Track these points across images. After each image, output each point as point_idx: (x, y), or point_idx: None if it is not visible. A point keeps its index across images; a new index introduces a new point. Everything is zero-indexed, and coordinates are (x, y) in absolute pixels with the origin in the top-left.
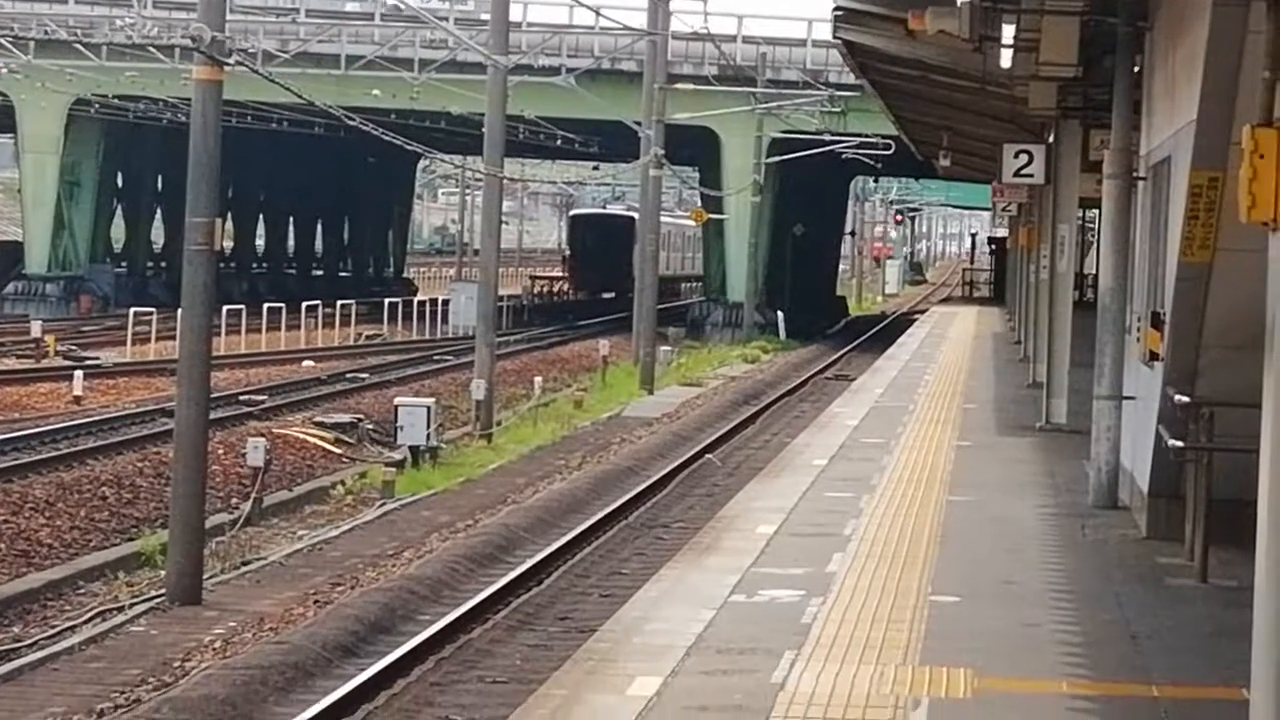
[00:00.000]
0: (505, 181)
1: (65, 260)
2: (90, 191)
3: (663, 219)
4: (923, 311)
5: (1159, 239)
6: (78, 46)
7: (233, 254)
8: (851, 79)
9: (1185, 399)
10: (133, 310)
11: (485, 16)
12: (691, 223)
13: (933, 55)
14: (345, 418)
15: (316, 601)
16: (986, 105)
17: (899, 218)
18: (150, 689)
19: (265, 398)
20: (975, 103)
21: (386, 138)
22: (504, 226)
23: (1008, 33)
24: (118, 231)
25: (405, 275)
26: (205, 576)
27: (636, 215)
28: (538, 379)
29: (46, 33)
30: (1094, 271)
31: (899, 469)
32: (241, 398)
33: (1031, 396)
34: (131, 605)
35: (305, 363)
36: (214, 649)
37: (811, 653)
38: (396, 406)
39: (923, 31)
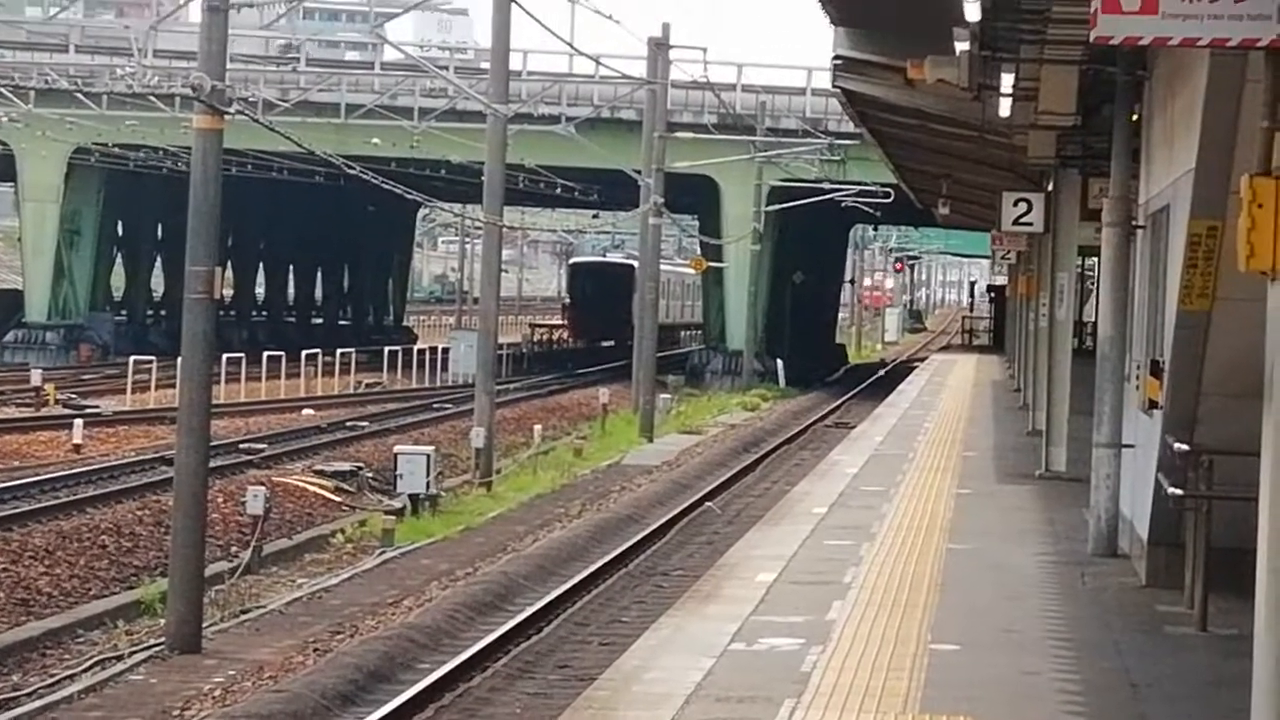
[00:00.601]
0: (505, 230)
1: (65, 308)
2: (90, 240)
3: (662, 267)
4: (922, 359)
5: (1158, 287)
6: (78, 95)
7: (233, 302)
8: (851, 127)
9: (1185, 447)
10: (132, 358)
11: (485, 65)
12: (691, 271)
13: (932, 104)
14: (345, 466)
15: (316, 650)
16: (985, 154)
17: (899, 265)
18: None
19: (265, 446)
20: (974, 151)
21: (386, 186)
22: (504, 275)
23: (1006, 82)
24: (118, 280)
25: (405, 323)
26: (205, 625)
27: (636, 263)
28: (537, 427)
29: (47, 82)
30: (1093, 319)
31: (899, 517)
32: (241, 446)
33: (1031, 444)
34: (131, 654)
35: (305, 411)
36: (213, 697)
37: (811, 701)
38: (396, 455)
39: (922, 80)
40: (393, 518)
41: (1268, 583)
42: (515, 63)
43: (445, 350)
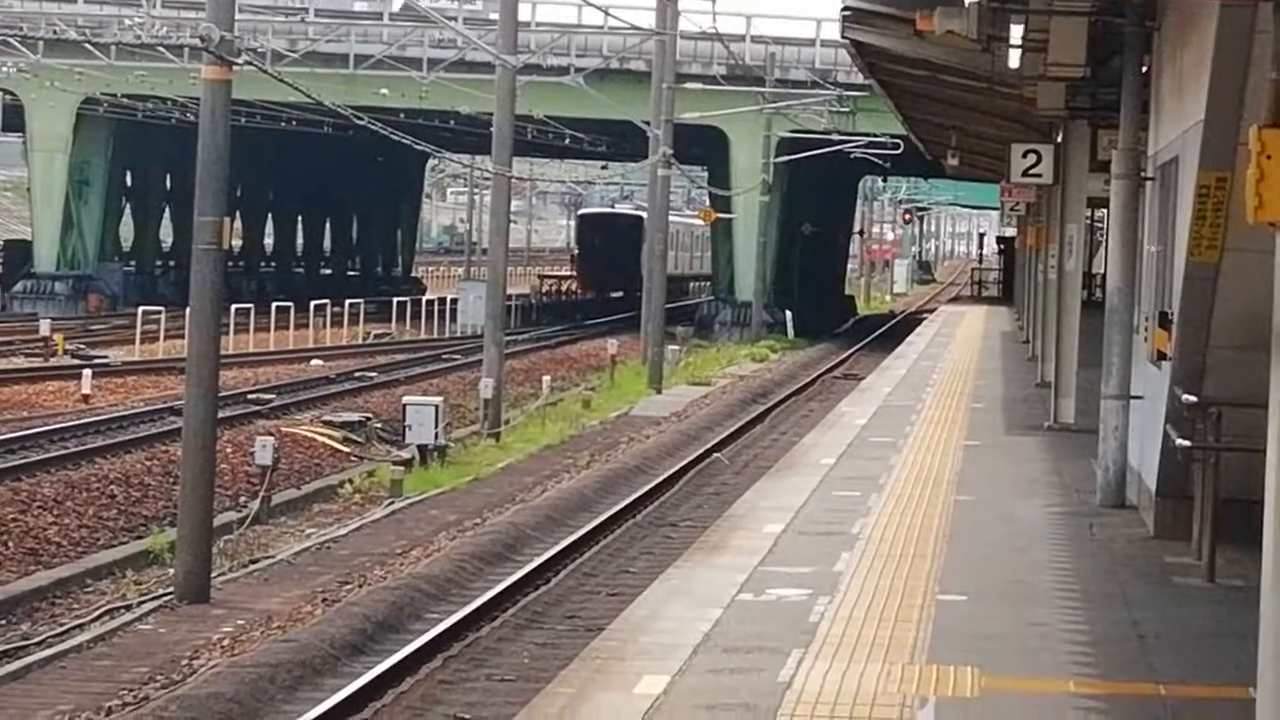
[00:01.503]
0: (514, 181)
1: (74, 259)
2: (99, 190)
3: (671, 218)
4: (931, 311)
5: (1167, 239)
6: (87, 46)
7: (241, 253)
8: (860, 79)
9: (1193, 399)
10: (141, 309)
11: (494, 16)
12: (700, 222)
13: (941, 55)
14: (353, 416)
15: (324, 600)
16: (994, 105)
17: (906, 216)
18: (158, 687)
19: (273, 396)
20: (983, 103)
21: (395, 137)
22: (512, 226)
23: (1016, 33)
24: (126, 230)
25: (413, 274)
26: (213, 575)
27: (645, 214)
28: (546, 378)
29: (55, 32)
30: (1102, 271)
31: (907, 468)
32: (250, 396)
33: (1039, 396)
34: (139, 603)
35: (314, 361)
36: (222, 647)
37: (819, 651)
38: (405, 405)
39: (931, 32)
40: (401, 468)
41: (1275, 534)
42: (524, 13)
43: (454, 301)
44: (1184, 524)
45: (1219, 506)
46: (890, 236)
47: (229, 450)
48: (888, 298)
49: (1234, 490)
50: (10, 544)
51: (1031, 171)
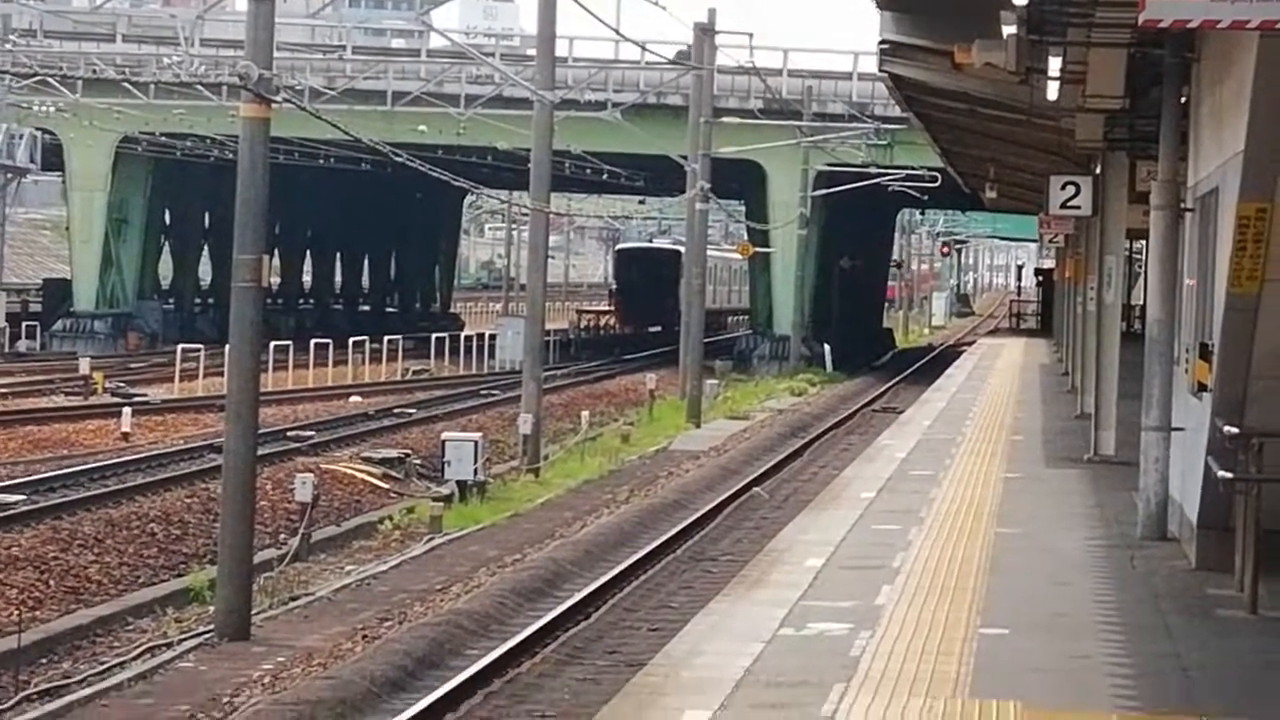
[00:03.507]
0: (551, 216)
1: (113, 297)
2: (138, 228)
3: (709, 252)
4: (970, 343)
5: (1206, 270)
6: (125, 85)
7: (279, 290)
8: (897, 112)
9: (1234, 430)
10: (180, 346)
11: (531, 52)
12: (737, 256)
13: (979, 88)
14: (393, 453)
15: (365, 636)
16: (1033, 137)
17: (945, 249)
18: None
19: (313, 433)
20: (1022, 135)
21: (433, 173)
22: (550, 261)
23: (1054, 65)
24: (165, 268)
25: (452, 310)
26: (254, 612)
27: (682, 249)
28: (585, 413)
29: (95, 72)
30: (1141, 303)
31: (947, 501)
32: (289, 433)
33: (1079, 428)
34: (180, 641)
35: (353, 398)
36: (263, 684)
37: (861, 685)
38: (444, 441)
39: (969, 64)
40: (440, 504)
41: None
42: (561, 49)
43: (492, 337)
44: (1226, 556)
45: (1261, 538)
46: (924, 268)
47: (269, 487)
48: (926, 330)
49: (1276, 521)
50: (51, 582)
51: (1070, 203)
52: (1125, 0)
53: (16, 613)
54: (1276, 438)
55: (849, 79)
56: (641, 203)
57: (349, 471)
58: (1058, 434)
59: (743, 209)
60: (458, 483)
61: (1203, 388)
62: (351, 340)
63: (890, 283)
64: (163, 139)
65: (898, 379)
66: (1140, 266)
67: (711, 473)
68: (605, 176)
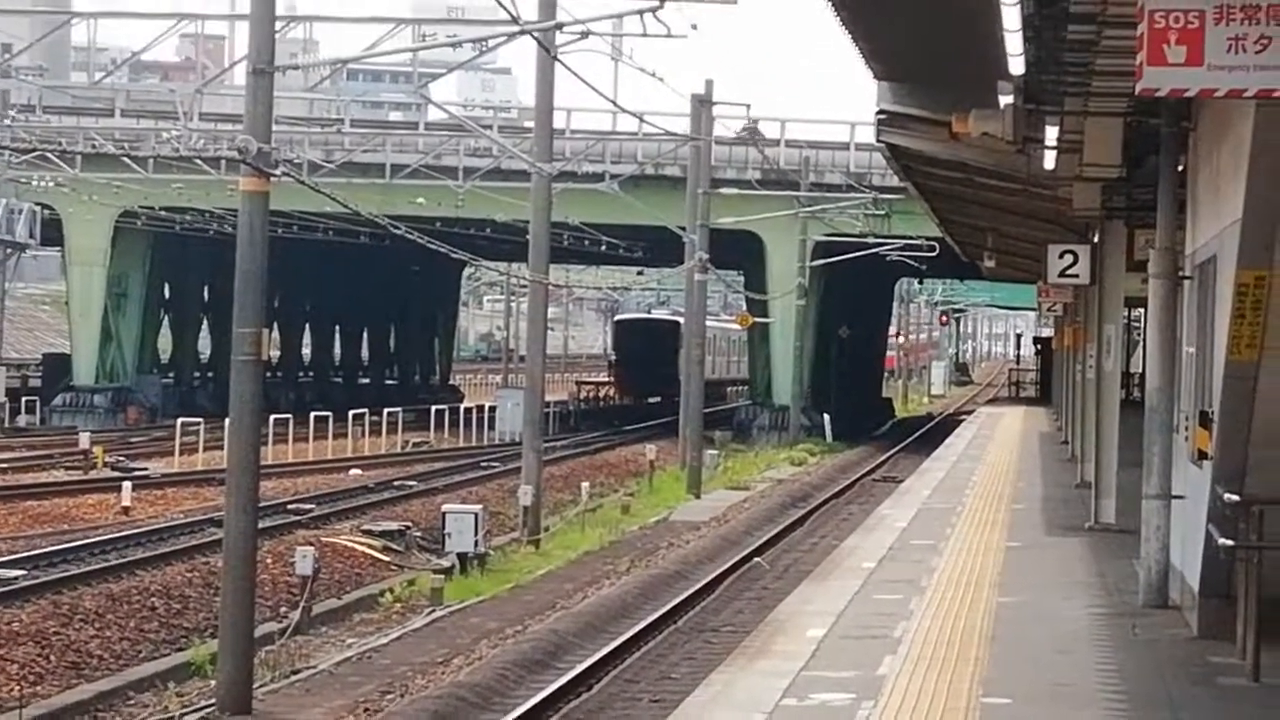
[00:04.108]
0: (550, 287)
1: (112, 371)
2: (137, 302)
3: (708, 323)
4: (969, 412)
5: (1206, 338)
6: (124, 160)
7: (279, 363)
8: (895, 181)
9: (1235, 497)
10: (180, 420)
11: (529, 124)
12: (736, 326)
13: (976, 157)
14: (393, 525)
15: (366, 710)
16: (1030, 206)
17: (944, 319)
18: None
19: (313, 506)
20: (1019, 204)
21: (431, 245)
22: (549, 332)
23: (1051, 134)
24: (164, 342)
25: (451, 382)
26: (255, 686)
27: (681, 319)
28: (585, 484)
29: (94, 146)
30: (1141, 370)
31: (948, 570)
32: (289, 506)
33: (1080, 496)
34: (182, 716)
35: (353, 471)
36: None
37: None
38: (444, 513)
39: (966, 134)
40: (441, 576)
41: None
42: (559, 121)
43: (492, 408)
44: (1228, 624)
45: (1263, 606)
46: (922, 337)
47: (269, 561)
48: (925, 399)
49: (1278, 589)
50: (53, 657)
51: (1068, 272)
52: (1122, 70)
53: (18, 688)
54: (1277, 505)
55: (846, 149)
56: (640, 274)
57: (350, 544)
58: (1058, 502)
59: (741, 279)
60: (458, 555)
61: (1203, 455)
62: (351, 413)
63: (890, 352)
64: (162, 213)
65: (897, 448)
66: (1139, 334)
67: (712, 543)
68: (604, 248)
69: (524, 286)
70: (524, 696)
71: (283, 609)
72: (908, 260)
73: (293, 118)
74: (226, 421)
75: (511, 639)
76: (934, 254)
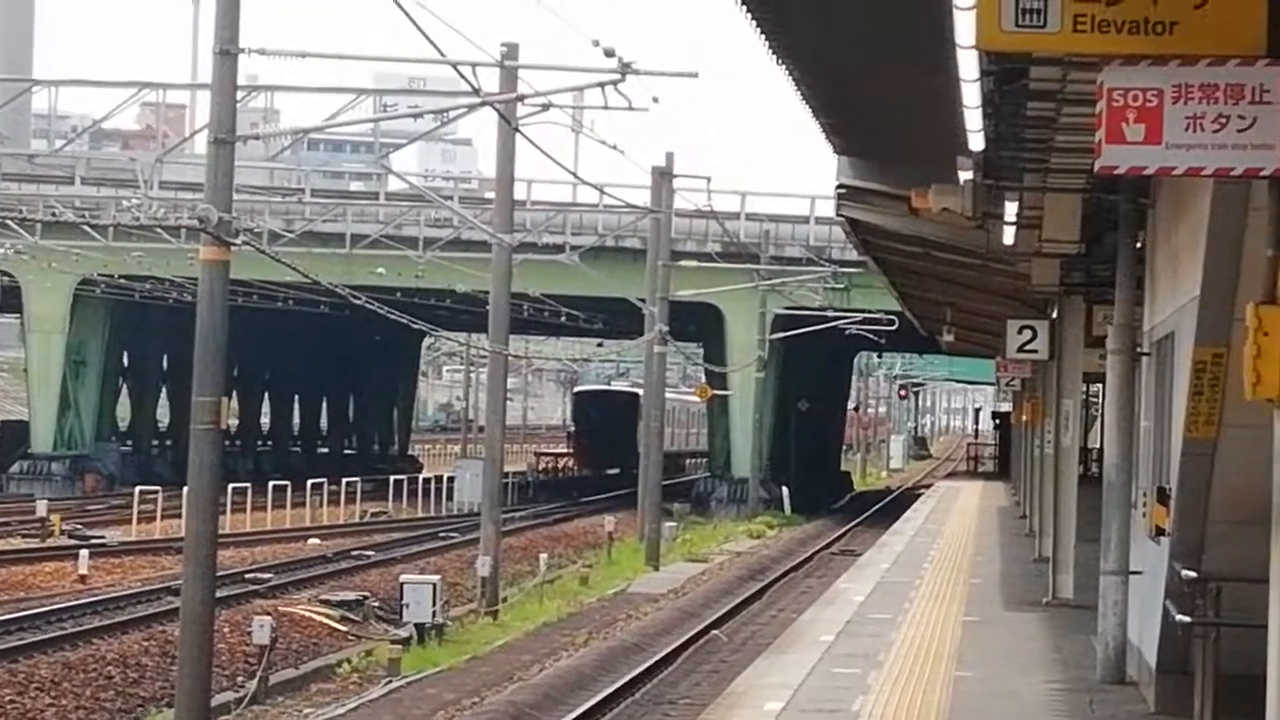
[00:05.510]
0: (510, 358)
1: (70, 439)
2: (96, 370)
3: (667, 395)
4: (928, 486)
5: (1163, 414)
6: (84, 228)
7: (238, 431)
8: (854, 255)
9: (1192, 574)
10: (138, 489)
11: (489, 195)
12: (696, 398)
13: (935, 232)
14: (351, 595)
15: None
16: (990, 281)
17: (903, 392)
18: None
19: (271, 575)
20: (978, 279)
21: (391, 316)
22: (509, 403)
23: (1010, 210)
24: (123, 409)
25: (410, 452)
26: None
27: (640, 391)
28: (543, 555)
29: (54, 214)
30: (1099, 446)
31: (906, 644)
32: (247, 575)
33: (1037, 571)
34: None
35: (310, 540)
36: None
37: None
38: (402, 584)
39: (926, 209)
40: (399, 647)
41: (1278, 710)
42: (520, 192)
43: (450, 479)
44: (1185, 700)
45: (1220, 682)
46: (881, 410)
47: (226, 630)
48: (884, 473)
49: (1235, 666)
50: None
51: (1027, 347)
52: (1081, 146)
53: None
54: (1234, 581)
55: (806, 222)
56: (600, 345)
57: (307, 614)
58: (1016, 577)
59: (701, 351)
60: (416, 625)
61: (1160, 531)
62: (310, 482)
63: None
64: (121, 281)
65: (856, 521)
66: (1097, 409)
67: (670, 615)
68: (564, 319)
69: (483, 357)
70: None
71: (240, 678)
72: (867, 334)
73: (254, 187)
74: (185, 490)
75: (469, 710)
76: (893, 328)
